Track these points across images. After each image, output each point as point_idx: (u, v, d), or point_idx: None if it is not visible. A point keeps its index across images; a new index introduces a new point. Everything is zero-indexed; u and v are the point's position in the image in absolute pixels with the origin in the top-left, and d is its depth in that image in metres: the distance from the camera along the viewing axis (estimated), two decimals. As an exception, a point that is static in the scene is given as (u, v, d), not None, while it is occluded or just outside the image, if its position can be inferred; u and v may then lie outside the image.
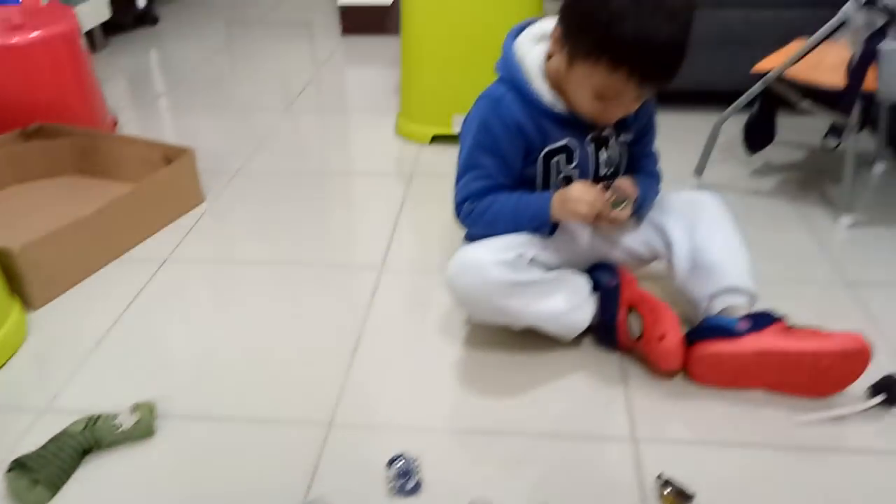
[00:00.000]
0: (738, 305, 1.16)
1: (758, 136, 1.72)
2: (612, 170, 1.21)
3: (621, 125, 1.19)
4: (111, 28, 2.99)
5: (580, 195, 1.12)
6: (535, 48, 1.15)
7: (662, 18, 0.98)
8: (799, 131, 1.88)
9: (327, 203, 1.75)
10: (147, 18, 3.20)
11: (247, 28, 3.26)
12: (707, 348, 1.12)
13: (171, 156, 1.68)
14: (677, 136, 1.93)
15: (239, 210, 1.72)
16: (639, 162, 1.27)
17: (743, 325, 1.11)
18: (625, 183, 1.18)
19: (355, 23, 2.99)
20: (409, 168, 1.90)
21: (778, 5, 1.92)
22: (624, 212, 1.15)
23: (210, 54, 2.87)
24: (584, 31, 1.04)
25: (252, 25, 3.29)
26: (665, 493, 0.95)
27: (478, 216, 1.19)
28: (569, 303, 1.18)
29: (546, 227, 1.18)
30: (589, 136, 1.18)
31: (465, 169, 1.19)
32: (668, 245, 1.23)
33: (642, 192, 1.22)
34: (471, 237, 1.28)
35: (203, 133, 2.15)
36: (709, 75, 2.00)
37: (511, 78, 1.15)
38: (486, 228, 1.19)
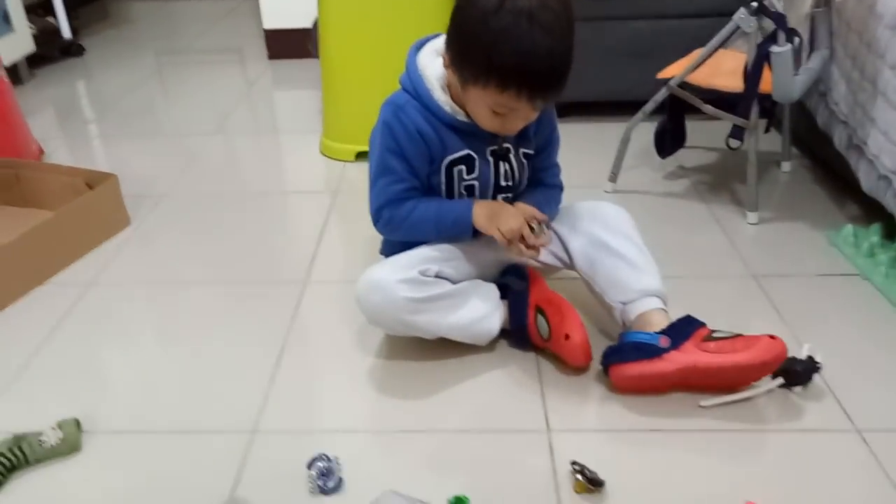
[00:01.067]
0: (653, 309, 1.18)
1: (668, 141, 1.80)
2: (511, 182, 1.25)
3: (522, 138, 1.23)
4: (37, 60, 2.96)
5: (509, 220, 1.16)
6: (436, 61, 1.18)
7: (538, 36, 1.02)
8: (709, 135, 1.97)
9: (254, 222, 1.77)
10: (73, 49, 3.17)
11: (176, 56, 3.25)
12: (630, 369, 1.12)
13: (95, 181, 1.67)
14: (592, 145, 2.01)
15: (165, 232, 1.72)
16: (541, 174, 1.30)
17: (664, 343, 1.11)
18: (524, 207, 1.21)
19: (281, 47, 3.02)
20: (333, 185, 1.92)
21: (683, 16, 2.02)
22: (543, 238, 1.18)
23: (139, 82, 2.86)
24: (468, 59, 1.08)
25: (181, 53, 3.29)
26: (577, 479, 0.99)
27: (399, 222, 1.21)
28: (477, 313, 1.21)
29: (468, 232, 1.21)
30: (489, 149, 1.21)
31: (377, 174, 1.21)
32: (571, 255, 1.27)
33: (547, 207, 1.26)
34: (386, 251, 1.32)
35: (131, 159, 2.14)
36: (621, 85, 2.09)
37: (413, 88, 1.18)
38: (407, 234, 1.23)
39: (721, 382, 1.12)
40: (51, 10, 3.09)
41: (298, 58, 2.93)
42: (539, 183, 1.30)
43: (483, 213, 1.19)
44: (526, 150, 1.25)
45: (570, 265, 1.29)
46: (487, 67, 1.05)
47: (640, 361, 1.12)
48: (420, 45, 1.22)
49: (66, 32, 3.12)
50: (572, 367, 1.20)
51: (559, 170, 1.34)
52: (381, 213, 1.22)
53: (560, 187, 1.33)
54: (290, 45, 2.96)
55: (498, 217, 1.17)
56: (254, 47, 3.23)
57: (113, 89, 2.78)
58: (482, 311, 1.22)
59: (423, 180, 1.22)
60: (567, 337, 1.17)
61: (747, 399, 1.13)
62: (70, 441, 1.07)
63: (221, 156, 2.19)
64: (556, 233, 1.26)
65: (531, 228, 1.17)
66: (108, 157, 2.21)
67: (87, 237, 1.62)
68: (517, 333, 1.25)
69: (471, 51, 1.07)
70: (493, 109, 1.11)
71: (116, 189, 1.69)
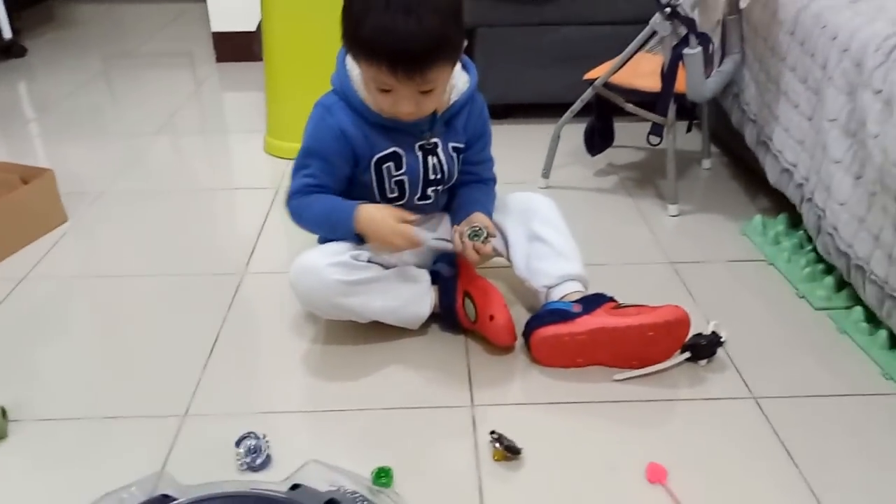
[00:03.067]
0: (573, 291, 1.27)
1: (597, 140, 1.89)
2: (440, 175, 1.29)
3: (451, 132, 1.28)
4: (-25, 61, 2.93)
5: (393, 231, 1.19)
6: None
7: (396, 14, 1.06)
8: (635, 135, 2.06)
9: (195, 218, 1.80)
10: (14, 50, 3.14)
11: (123, 59, 3.25)
12: (546, 331, 1.22)
13: (30, 177, 1.68)
14: (528, 144, 2.09)
15: (103, 227, 1.74)
16: (476, 167, 1.36)
17: (577, 308, 1.23)
18: (478, 217, 1.26)
19: (229, 50, 3.05)
20: (275, 182, 1.96)
21: (612, 22, 2.12)
22: (486, 245, 1.22)
23: (83, 84, 2.85)
24: (345, 35, 1.15)
25: (128, 56, 3.28)
26: (496, 447, 1.05)
27: (299, 214, 1.26)
28: (408, 295, 1.27)
29: (353, 239, 1.25)
30: (417, 144, 1.25)
31: (296, 168, 1.26)
32: (507, 244, 1.34)
33: (489, 204, 1.33)
34: (323, 241, 1.37)
35: (72, 157, 2.14)
36: (555, 88, 2.18)
37: (341, 89, 1.22)
38: (307, 227, 1.29)
39: (629, 347, 1.20)
40: (-8, 12, 3.07)
41: (246, 60, 2.96)
42: (475, 177, 1.36)
43: (364, 223, 1.21)
44: (455, 144, 1.29)
45: (502, 254, 1.36)
46: (355, 42, 1.12)
47: (555, 324, 1.21)
48: None
49: (7, 33, 3.09)
50: (498, 346, 1.27)
51: (493, 163, 1.39)
52: (290, 202, 1.27)
53: (494, 180, 1.39)
54: (238, 47, 2.99)
55: (379, 228, 1.20)
56: (202, 50, 3.24)
57: (56, 90, 2.77)
58: (412, 294, 1.28)
59: (341, 179, 1.25)
60: (492, 318, 1.24)
61: (657, 372, 1.21)
62: (-3, 428, 1.08)
63: (166, 155, 2.21)
64: (497, 229, 1.31)
65: (477, 235, 1.22)
66: (47, 156, 2.21)
67: (21, 233, 1.63)
68: (447, 316, 1.31)
69: (345, 27, 1.13)
70: (376, 86, 1.14)
71: (52, 184, 1.70)
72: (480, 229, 1.23)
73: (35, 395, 1.19)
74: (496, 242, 1.32)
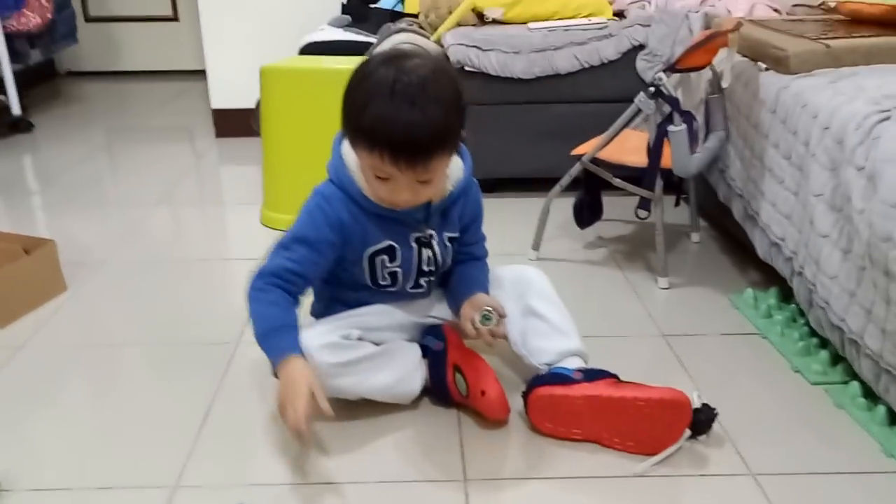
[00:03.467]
0: (577, 368, 1.26)
1: (586, 213, 1.94)
2: (434, 267, 1.30)
3: (446, 223, 1.29)
4: (-17, 136, 3.00)
5: (293, 401, 1.09)
6: None
7: (400, 105, 1.07)
8: (624, 209, 2.10)
9: (192, 287, 1.81)
10: (21, 126, 3.21)
11: (125, 133, 3.33)
12: (542, 390, 1.22)
13: (31, 247, 1.71)
14: (518, 217, 2.13)
15: (101, 297, 1.76)
16: (471, 247, 1.36)
17: (578, 375, 1.23)
18: (482, 299, 1.26)
19: (228, 125, 3.13)
20: (272, 253, 1.99)
21: (600, 101, 2.20)
22: (500, 327, 1.24)
23: (86, 156, 2.91)
24: (345, 121, 1.16)
25: (131, 130, 3.37)
26: (488, 522, 1.04)
27: (255, 298, 1.21)
28: (399, 373, 1.27)
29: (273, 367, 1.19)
30: (413, 236, 1.25)
31: (278, 247, 1.23)
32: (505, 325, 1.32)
33: (486, 283, 1.34)
34: (316, 313, 1.38)
35: (73, 228, 2.17)
36: (545, 162, 2.24)
37: (338, 178, 1.22)
38: (250, 313, 1.22)
39: (625, 421, 1.18)
40: (1, 88, 3.16)
41: (245, 136, 3.04)
42: (469, 256, 1.37)
43: (283, 381, 1.14)
44: (450, 234, 1.30)
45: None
46: (356, 129, 1.13)
47: (553, 385, 1.21)
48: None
49: (16, 109, 3.18)
50: (490, 420, 1.26)
51: (485, 240, 1.41)
52: (257, 280, 1.22)
53: (486, 254, 1.41)
54: (237, 123, 3.07)
55: (287, 400, 1.11)
56: (202, 125, 3.33)
57: (59, 163, 2.83)
58: (403, 371, 1.27)
59: (321, 272, 1.24)
60: (483, 393, 1.24)
61: (670, 455, 1.18)
62: (-12, 498, 1.08)
63: (164, 225, 2.24)
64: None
65: (488, 318, 1.23)
66: (49, 226, 2.25)
67: (22, 301, 1.64)
68: (438, 391, 1.31)
69: (346, 113, 1.15)
70: (375, 174, 1.15)
71: (54, 254, 1.73)
72: (490, 312, 1.23)
73: (28, 465, 1.18)
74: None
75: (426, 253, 1.28)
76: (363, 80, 1.13)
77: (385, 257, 1.25)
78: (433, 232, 1.27)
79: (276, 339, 1.18)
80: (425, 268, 1.29)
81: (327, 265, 1.24)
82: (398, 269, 1.27)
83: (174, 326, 1.62)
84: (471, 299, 1.27)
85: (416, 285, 1.31)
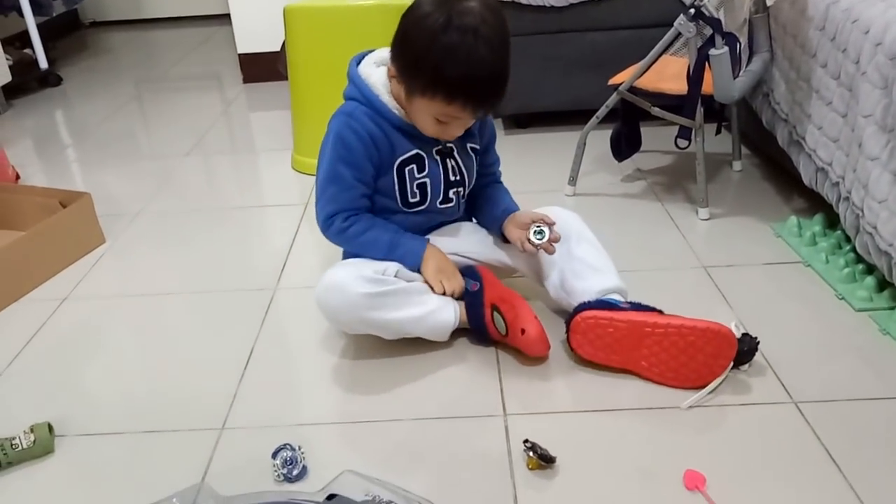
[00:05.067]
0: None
1: (624, 145, 1.88)
2: (460, 177, 1.32)
3: (467, 134, 1.29)
4: (14, 91, 3.02)
5: (452, 280, 1.28)
6: (377, 71, 1.25)
7: (483, 52, 1.10)
8: (663, 139, 2.04)
9: (227, 235, 1.82)
10: (50, 80, 3.23)
11: (153, 83, 3.32)
12: (587, 313, 1.20)
13: (68, 201, 1.72)
14: (554, 152, 2.08)
15: (139, 247, 1.78)
16: (490, 168, 1.40)
17: (624, 305, 1.23)
18: (526, 215, 1.29)
19: (255, 70, 3.10)
20: (303, 198, 1.98)
21: (636, 27, 2.11)
22: (556, 234, 1.26)
23: (117, 109, 2.92)
24: (417, 73, 1.15)
25: (159, 80, 3.36)
26: (529, 456, 1.04)
27: (351, 237, 1.28)
28: (432, 304, 1.27)
29: (415, 269, 1.29)
30: (435, 149, 1.28)
31: (327, 181, 1.26)
32: (542, 269, 1.34)
33: (508, 200, 1.37)
34: (346, 254, 1.38)
35: (108, 181, 2.19)
36: (580, 95, 2.17)
37: (361, 95, 1.24)
38: (356, 249, 1.30)
39: (667, 350, 1.17)
40: (28, 43, 3.16)
41: (272, 80, 3.01)
42: (492, 178, 1.40)
43: (432, 264, 1.29)
44: (472, 144, 1.33)
45: (539, 278, 1.35)
46: (435, 81, 1.13)
47: (599, 309, 1.21)
48: (359, 60, 1.29)
49: (43, 63, 3.18)
50: (531, 357, 1.26)
51: (499, 162, 1.44)
52: (333, 221, 1.27)
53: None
54: (264, 67, 3.03)
55: (444, 274, 1.29)
56: (229, 71, 3.30)
57: (90, 116, 2.84)
58: (437, 302, 1.28)
59: (371, 187, 1.27)
60: (523, 331, 1.23)
61: (717, 387, 1.16)
62: (42, 443, 1.11)
63: (197, 175, 2.25)
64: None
65: (541, 232, 1.26)
66: (84, 180, 2.27)
67: (61, 255, 1.67)
68: (476, 331, 1.31)
69: (420, 65, 1.14)
70: (436, 118, 1.18)
71: (90, 207, 1.75)
72: (540, 226, 1.26)
73: (79, 411, 1.21)
74: (522, 264, 1.36)
75: (450, 163, 1.30)
76: (426, 30, 1.12)
77: (414, 167, 1.27)
78: (452, 145, 1.29)
79: (402, 247, 1.28)
80: (452, 178, 1.30)
81: (371, 179, 1.27)
82: (426, 180, 1.28)
83: (212, 274, 1.63)
84: (512, 220, 1.31)
85: (446, 199, 1.32)
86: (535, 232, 1.26)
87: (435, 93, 1.14)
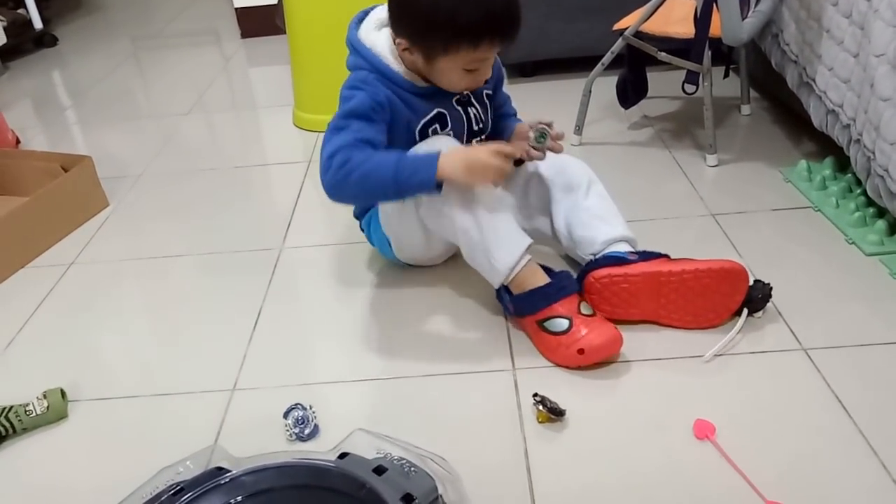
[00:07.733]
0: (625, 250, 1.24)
1: (630, 92, 1.84)
2: (482, 124, 1.30)
3: None
4: (9, 53, 2.98)
5: (488, 160, 1.12)
6: (380, 35, 1.21)
7: None
8: (670, 85, 2.00)
9: (231, 195, 1.81)
10: (45, 40, 3.18)
11: (150, 40, 3.27)
12: (600, 272, 1.19)
13: (69, 164, 1.71)
14: (559, 100, 2.05)
15: (143, 210, 1.77)
16: (503, 108, 1.38)
17: (633, 257, 1.21)
18: (525, 125, 1.28)
19: (253, 25, 3.04)
20: (306, 155, 1.96)
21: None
22: (556, 144, 1.25)
23: (114, 68, 2.88)
24: (433, 34, 1.12)
25: (155, 37, 3.30)
26: (539, 409, 1.05)
27: (352, 169, 1.12)
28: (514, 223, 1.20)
29: (433, 188, 1.13)
30: (454, 100, 1.25)
31: (334, 129, 1.16)
32: (554, 225, 1.31)
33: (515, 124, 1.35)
34: (359, 213, 1.37)
35: (109, 142, 2.18)
36: (584, 41, 2.13)
37: (370, 64, 1.19)
38: (357, 187, 1.14)
39: (684, 296, 1.16)
40: (21, 3, 3.11)
41: (270, 35, 2.96)
42: (505, 115, 1.38)
43: (457, 164, 1.12)
44: (486, 91, 1.31)
45: (552, 234, 1.33)
46: (456, 32, 1.11)
47: (610, 266, 1.19)
48: (357, 23, 1.24)
49: (38, 23, 3.13)
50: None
51: (510, 99, 1.42)
52: (333, 159, 1.13)
53: (515, 113, 1.42)
54: (262, 21, 2.98)
55: (475, 164, 1.12)
56: (227, 27, 3.24)
57: (88, 76, 2.81)
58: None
59: (377, 141, 1.18)
60: (581, 351, 1.14)
61: (735, 335, 1.16)
62: (56, 409, 1.12)
63: (198, 134, 2.22)
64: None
65: (543, 135, 1.25)
66: (85, 142, 2.25)
67: (65, 219, 1.66)
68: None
69: (433, 25, 1.11)
70: (465, 69, 1.17)
71: (92, 170, 1.73)
72: (543, 128, 1.25)
73: (91, 376, 1.22)
74: (539, 224, 1.34)
75: (472, 111, 1.28)
76: None
77: (437, 126, 1.25)
78: (468, 92, 1.27)
79: (412, 166, 1.13)
80: (475, 127, 1.29)
81: (384, 136, 1.18)
82: (451, 134, 1.27)
83: (217, 235, 1.62)
84: (515, 132, 1.31)
85: None
86: (537, 136, 1.25)
87: (459, 44, 1.12)
